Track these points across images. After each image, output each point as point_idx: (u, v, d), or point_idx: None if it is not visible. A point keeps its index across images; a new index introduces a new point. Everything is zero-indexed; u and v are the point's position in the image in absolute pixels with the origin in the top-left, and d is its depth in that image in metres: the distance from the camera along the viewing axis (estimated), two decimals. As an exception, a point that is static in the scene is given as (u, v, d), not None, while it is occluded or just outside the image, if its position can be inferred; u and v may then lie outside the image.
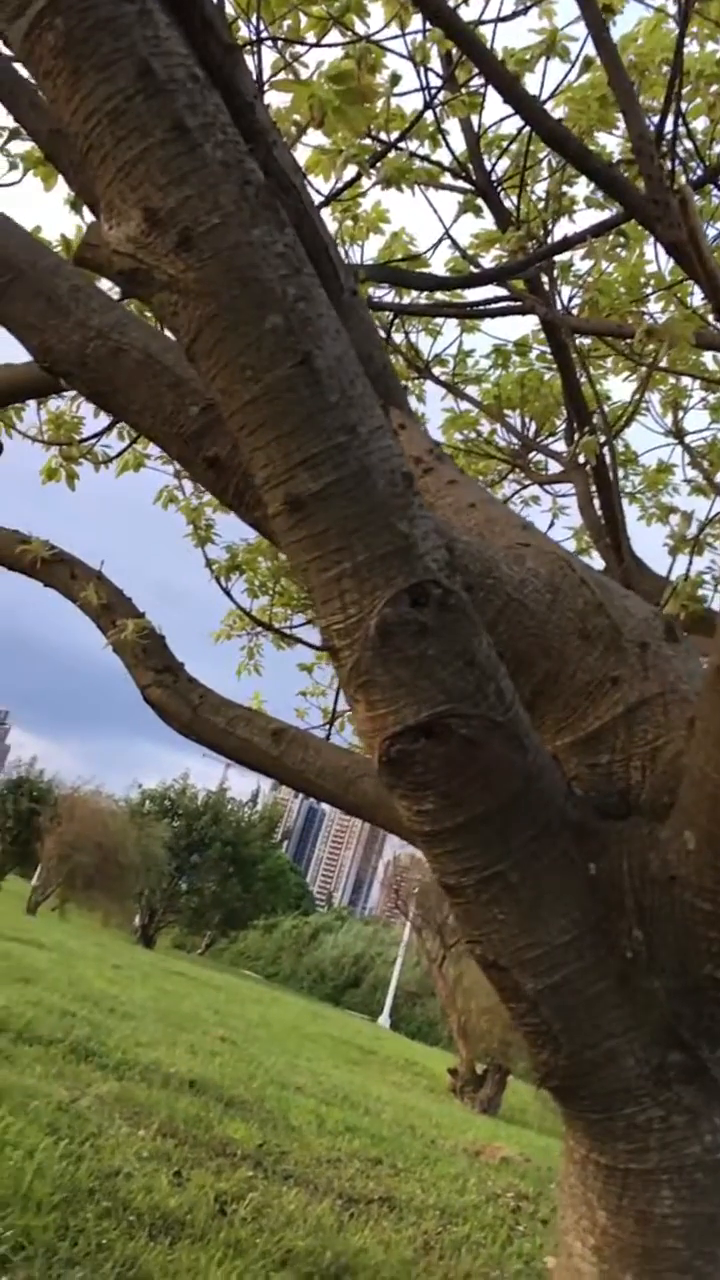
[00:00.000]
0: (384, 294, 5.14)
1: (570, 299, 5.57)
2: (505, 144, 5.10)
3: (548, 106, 4.32)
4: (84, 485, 5.07)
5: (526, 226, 4.60)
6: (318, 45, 4.17)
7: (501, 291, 5.06)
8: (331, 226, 4.66)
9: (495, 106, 4.72)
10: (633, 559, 4.39)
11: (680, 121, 3.59)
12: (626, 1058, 1.23)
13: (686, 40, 3.54)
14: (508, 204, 5.11)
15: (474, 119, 5.05)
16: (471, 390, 6.82)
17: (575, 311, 5.47)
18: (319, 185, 4.00)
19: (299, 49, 4.19)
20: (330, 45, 4.12)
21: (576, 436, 5.32)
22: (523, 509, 7.11)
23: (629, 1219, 1.27)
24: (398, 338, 6.17)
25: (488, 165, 5.11)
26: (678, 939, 1.22)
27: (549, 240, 5.12)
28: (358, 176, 4.21)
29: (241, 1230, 5.72)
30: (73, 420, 5.38)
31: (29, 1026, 8.92)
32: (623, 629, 1.43)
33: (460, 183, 5.15)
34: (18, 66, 4.06)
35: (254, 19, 3.95)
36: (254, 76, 3.35)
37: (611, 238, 4.73)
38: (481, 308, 5.05)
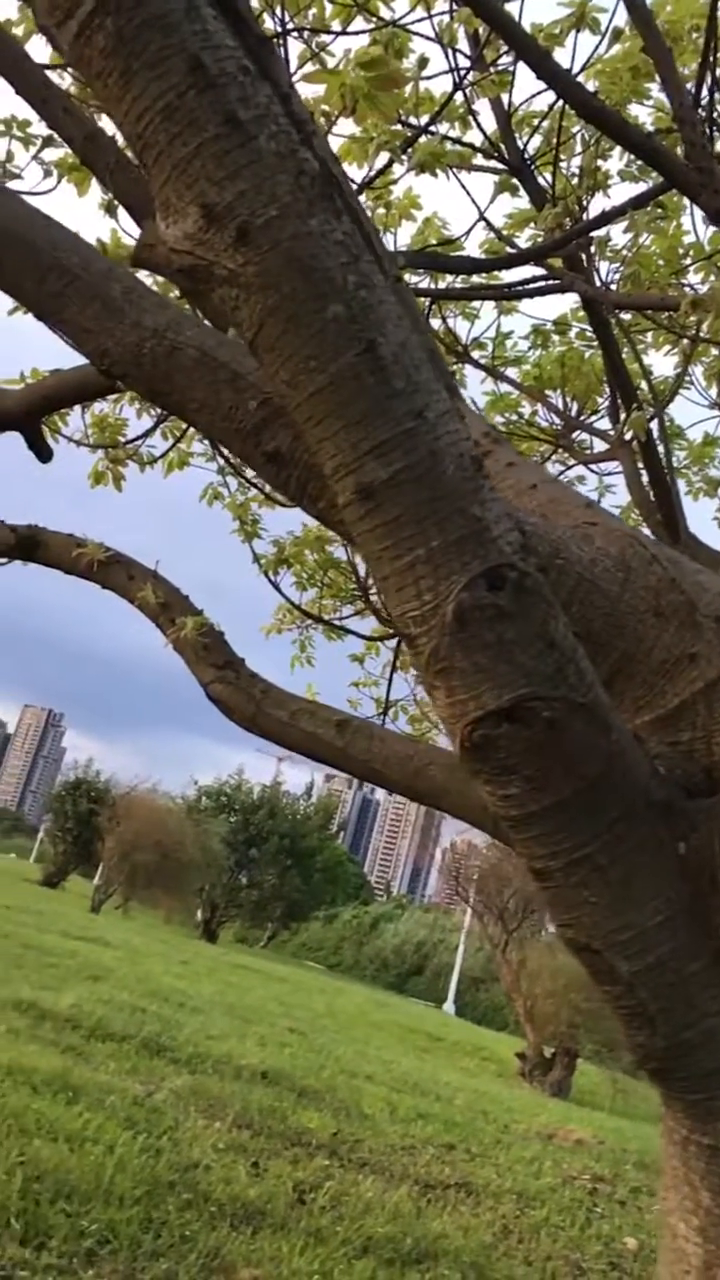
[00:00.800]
0: (419, 280, 5.11)
1: (608, 275, 5.50)
2: (537, 121, 5.05)
3: (579, 80, 4.26)
4: (115, 490, 5.10)
5: (564, 203, 4.55)
6: (344, 33, 4.15)
7: (538, 271, 5.01)
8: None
9: (524, 85, 4.67)
10: (689, 534, 4.34)
11: (717, 88, 3.52)
12: (724, 1036, 1.22)
13: (720, 3, 3.47)
14: (541, 182, 5.06)
15: (504, 98, 5.00)
16: (511, 372, 6.76)
17: (615, 286, 5.40)
18: (350, 174, 3.98)
19: (324, 38, 4.18)
20: (356, 33, 4.10)
21: (622, 413, 5.27)
22: (569, 489, 7.03)
23: (731, 1199, 1.25)
24: (435, 323, 6.14)
25: (520, 144, 5.06)
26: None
27: (585, 217, 5.06)
28: (390, 163, 4.19)
29: (321, 1218, 5.76)
30: (117, 422, 5.41)
31: (101, 1023, 9.04)
32: (698, 604, 1.41)
33: (493, 163, 5.10)
34: (51, 75, 4.07)
35: (279, 10, 3.95)
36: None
37: (650, 209, 4.66)
38: (520, 288, 5.00)
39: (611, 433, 5.97)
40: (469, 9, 3.99)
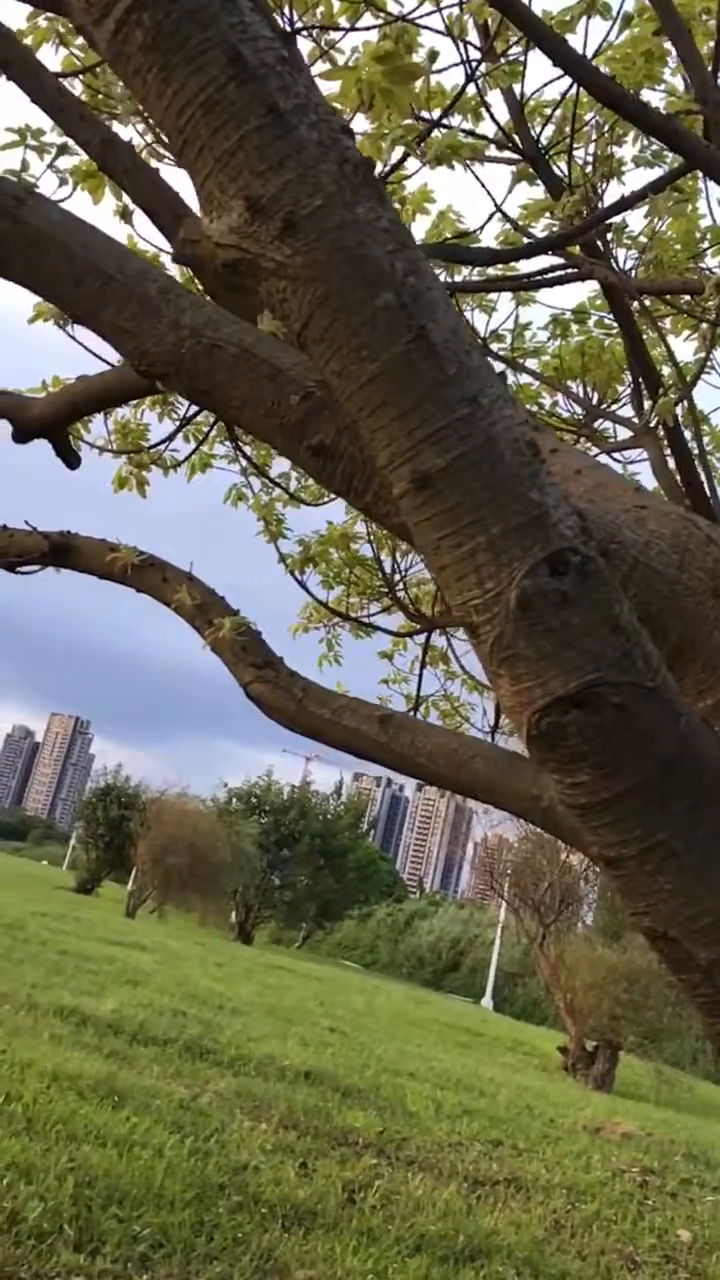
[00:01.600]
0: (436, 273, 5.09)
1: (625, 261, 5.47)
2: (550, 110, 5.02)
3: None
4: (135, 496, 5.11)
5: (582, 190, 4.52)
6: (353, 29, 4.14)
7: (555, 261, 4.98)
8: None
9: (535, 75, 4.66)
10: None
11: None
12: None
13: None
14: (556, 171, 5.03)
15: (516, 88, 4.97)
16: (530, 363, 6.73)
17: (634, 273, 5.37)
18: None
19: (333, 36, 4.17)
20: (365, 29, 4.09)
21: (646, 400, 5.23)
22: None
23: None
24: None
25: (533, 134, 5.03)
26: None
27: (600, 205, 5.03)
28: (404, 158, 4.18)
29: (372, 1218, 5.75)
30: (139, 428, 5.42)
31: (143, 1028, 9.07)
32: (756, 584, 1.39)
33: (506, 153, 5.08)
34: (65, 82, 4.08)
35: (287, 9, 3.94)
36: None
37: (668, 193, 4.63)
38: (539, 278, 4.97)
39: (634, 420, 5.93)
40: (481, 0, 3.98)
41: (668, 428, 4.92)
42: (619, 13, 4.62)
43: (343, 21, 4.30)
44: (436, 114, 4.50)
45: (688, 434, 5.01)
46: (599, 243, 5.11)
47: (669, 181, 4.01)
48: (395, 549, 5.82)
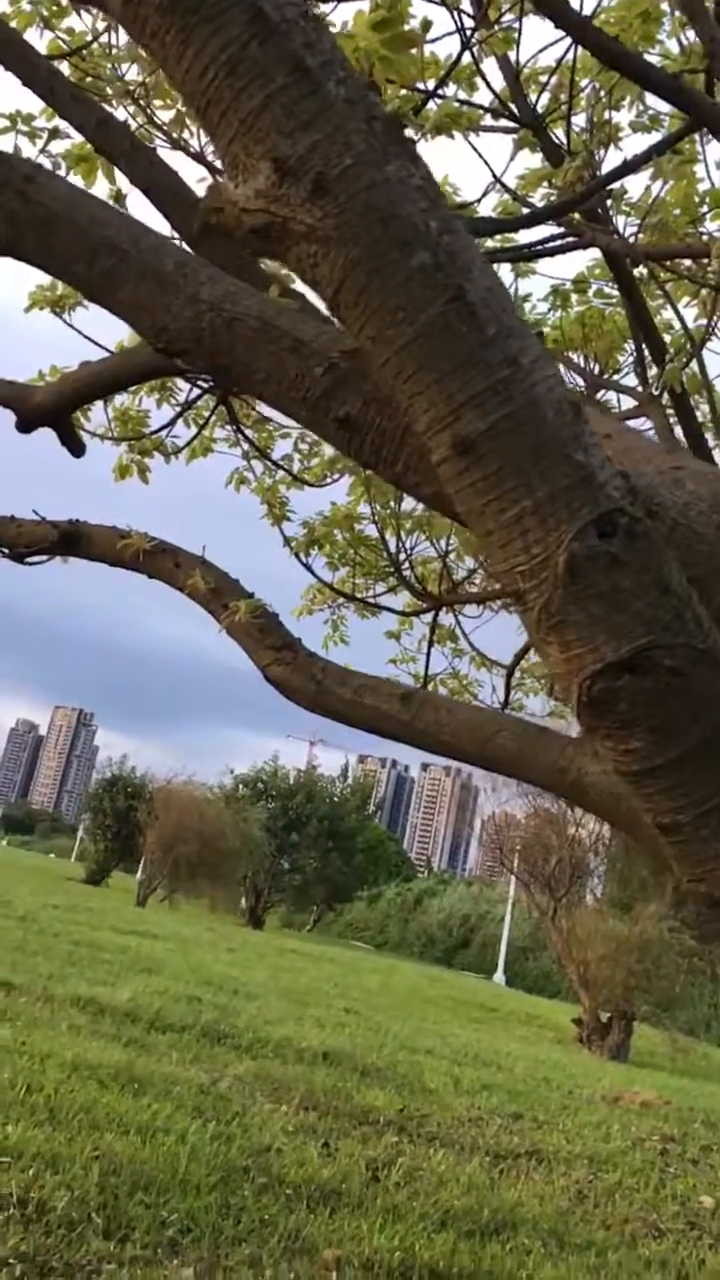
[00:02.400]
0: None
1: (625, 228, 5.41)
2: (546, 77, 4.96)
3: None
4: (133, 485, 5.07)
5: (582, 156, 4.47)
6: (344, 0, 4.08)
7: (554, 231, 4.93)
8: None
9: (529, 41, 4.60)
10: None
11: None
12: None
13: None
14: (554, 139, 4.97)
15: (510, 55, 4.91)
16: (531, 335, 6.68)
17: (635, 239, 5.31)
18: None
19: (324, 7, 4.11)
20: (355, -1, 4.03)
21: (651, 368, 5.18)
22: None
23: None
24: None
25: (530, 101, 4.98)
26: None
27: (599, 171, 4.97)
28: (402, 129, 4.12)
29: (397, 1195, 5.77)
30: (139, 415, 5.38)
31: (159, 1015, 9.08)
32: None
33: (503, 122, 5.02)
34: (57, 63, 4.02)
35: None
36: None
37: (670, 155, 4.57)
38: (540, 247, 4.92)
39: (638, 389, 5.88)
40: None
41: (674, 395, 4.88)
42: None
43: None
44: (431, 85, 4.45)
45: (697, 400, 4.96)
46: (600, 210, 5.06)
47: (674, 142, 3.95)
48: (400, 529, 5.79)
